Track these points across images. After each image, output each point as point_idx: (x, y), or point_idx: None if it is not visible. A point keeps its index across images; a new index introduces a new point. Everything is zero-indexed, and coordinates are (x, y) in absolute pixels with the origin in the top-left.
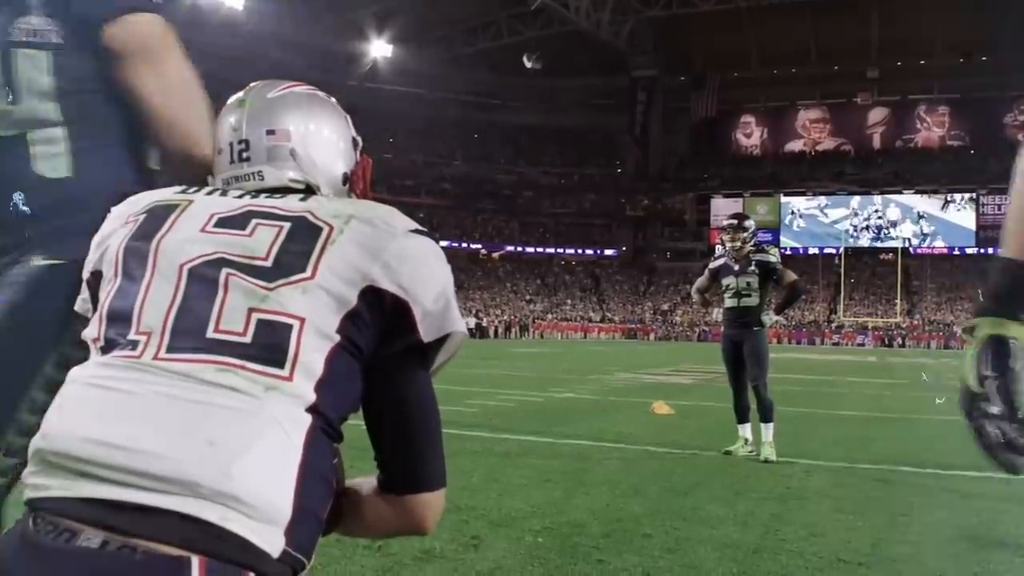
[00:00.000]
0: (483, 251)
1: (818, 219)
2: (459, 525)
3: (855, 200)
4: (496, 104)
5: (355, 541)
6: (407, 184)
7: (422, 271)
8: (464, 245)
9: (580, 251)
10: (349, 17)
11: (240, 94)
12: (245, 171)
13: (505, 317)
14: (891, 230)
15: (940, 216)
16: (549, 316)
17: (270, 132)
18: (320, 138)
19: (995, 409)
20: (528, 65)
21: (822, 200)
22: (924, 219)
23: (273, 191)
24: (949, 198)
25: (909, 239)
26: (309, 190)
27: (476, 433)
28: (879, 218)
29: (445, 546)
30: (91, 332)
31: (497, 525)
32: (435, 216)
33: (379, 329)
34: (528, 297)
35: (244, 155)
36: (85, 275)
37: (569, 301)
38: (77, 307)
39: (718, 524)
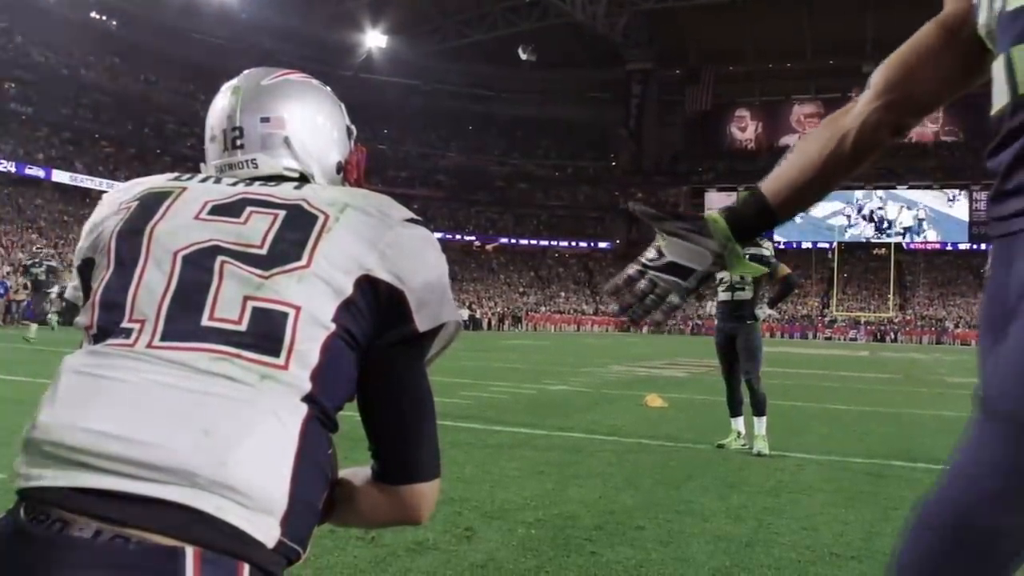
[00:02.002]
0: (477, 243)
1: (811, 213)
2: (452, 516)
3: (859, 193)
4: (491, 96)
5: (348, 532)
6: (401, 175)
7: (418, 260)
8: (458, 237)
9: (574, 244)
10: (344, 7)
11: (234, 81)
12: (239, 159)
13: (498, 309)
14: (890, 226)
15: (945, 212)
16: (542, 308)
17: (264, 119)
18: (315, 126)
19: (651, 256)
20: (523, 57)
21: None
22: (924, 212)
23: (267, 179)
24: (951, 195)
25: (908, 229)
26: (303, 178)
27: (469, 425)
28: (880, 210)
29: (438, 537)
30: (84, 320)
31: (490, 517)
32: (429, 208)
33: (375, 318)
34: (521, 289)
35: (238, 143)
36: (76, 262)
37: (563, 294)
38: (68, 295)
39: (711, 517)
